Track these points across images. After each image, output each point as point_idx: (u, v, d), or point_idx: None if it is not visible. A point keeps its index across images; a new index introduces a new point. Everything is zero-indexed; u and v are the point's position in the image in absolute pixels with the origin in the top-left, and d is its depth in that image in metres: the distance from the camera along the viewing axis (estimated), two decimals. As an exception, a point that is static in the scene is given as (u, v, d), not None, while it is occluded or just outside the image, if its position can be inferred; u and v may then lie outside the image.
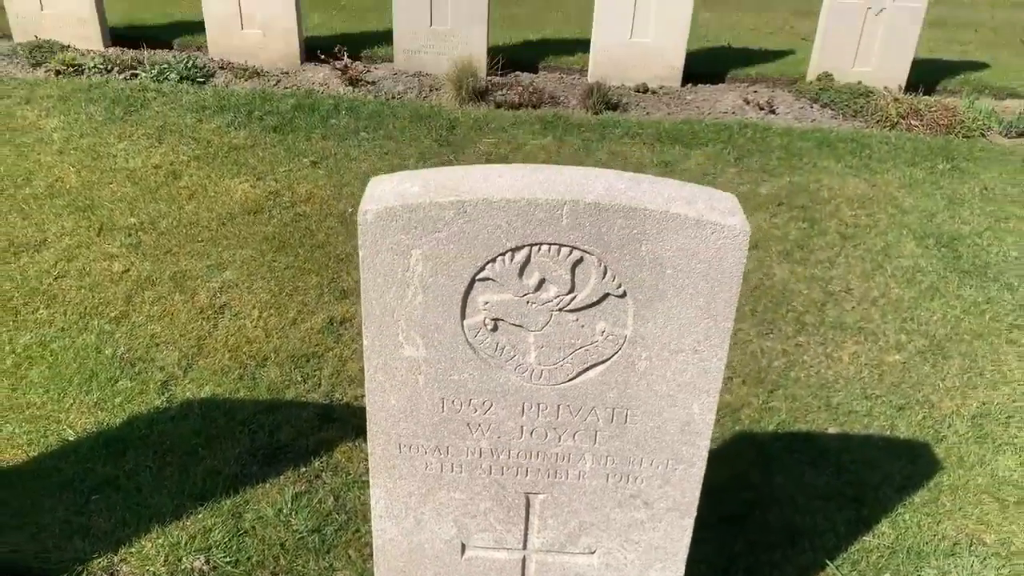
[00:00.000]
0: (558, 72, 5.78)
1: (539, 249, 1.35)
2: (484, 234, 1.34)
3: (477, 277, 1.39)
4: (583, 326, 1.43)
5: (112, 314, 3.09)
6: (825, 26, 5.33)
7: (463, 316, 1.43)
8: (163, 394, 2.72)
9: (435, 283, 1.39)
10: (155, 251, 3.48)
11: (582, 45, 6.00)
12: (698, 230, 1.32)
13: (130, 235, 3.58)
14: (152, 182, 3.99)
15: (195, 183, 4.00)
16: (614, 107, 5.13)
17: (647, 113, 5.13)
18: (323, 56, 5.38)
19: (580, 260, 1.36)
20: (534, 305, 1.41)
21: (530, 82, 5.47)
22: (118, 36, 5.72)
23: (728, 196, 1.40)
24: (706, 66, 5.74)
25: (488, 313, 1.42)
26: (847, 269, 3.62)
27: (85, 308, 3.11)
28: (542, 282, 1.39)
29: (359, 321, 3.14)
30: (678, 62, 5.40)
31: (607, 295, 1.39)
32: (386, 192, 1.36)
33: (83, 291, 3.21)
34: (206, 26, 5.41)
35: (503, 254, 1.36)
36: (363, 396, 2.76)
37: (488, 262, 1.37)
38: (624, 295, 1.39)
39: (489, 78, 5.40)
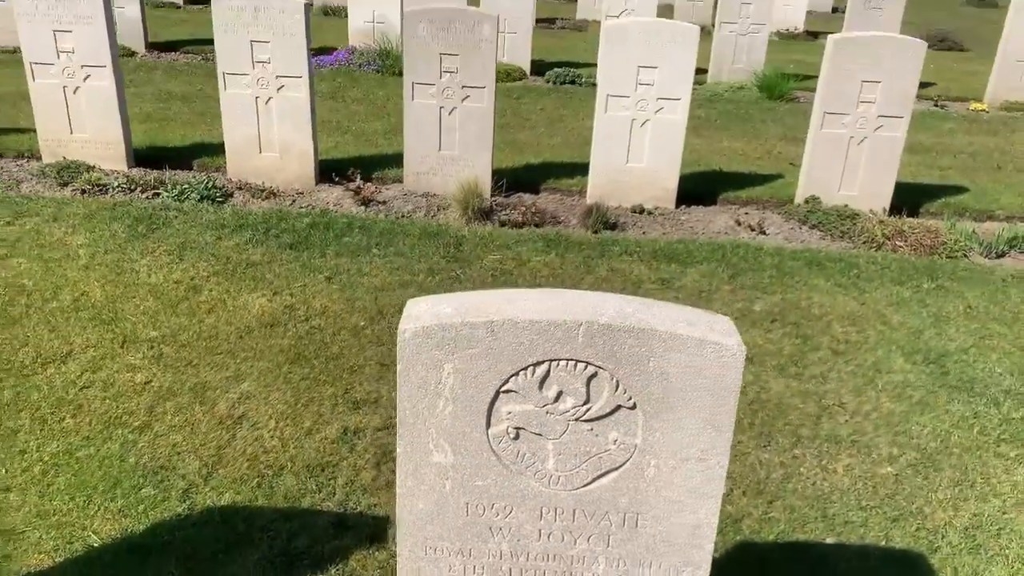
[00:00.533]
0: (558, 193, 6.07)
1: (558, 364, 1.51)
2: (509, 350, 1.50)
3: (502, 389, 1.54)
4: (597, 435, 1.57)
5: (135, 424, 3.21)
6: (811, 154, 5.66)
7: (488, 425, 1.58)
8: (185, 501, 2.82)
9: (464, 395, 1.55)
10: (176, 363, 3.63)
11: (580, 169, 6.32)
12: (700, 349, 1.49)
13: (152, 347, 3.73)
14: (173, 296, 4.17)
15: (214, 298, 4.19)
16: (612, 227, 5.39)
17: (644, 232, 5.39)
18: (337, 178, 5.68)
19: (595, 375, 1.52)
20: (553, 415, 1.56)
21: (532, 202, 5.75)
22: (140, 157, 6.03)
23: (724, 319, 1.57)
24: (699, 188, 6.05)
25: (511, 422, 1.57)
26: (839, 384, 3.77)
27: (109, 418, 3.24)
28: (560, 394, 1.54)
29: (372, 431, 3.27)
30: (672, 185, 5.70)
31: (619, 407, 1.54)
32: (422, 312, 1.54)
33: (107, 401, 3.34)
34: (226, 149, 5.73)
35: (525, 368, 1.52)
36: (376, 505, 2.88)
37: (512, 376, 1.53)
38: (634, 407, 1.54)
39: (493, 198, 5.68)
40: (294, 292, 4.30)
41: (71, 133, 5.71)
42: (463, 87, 5.51)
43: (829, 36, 5.52)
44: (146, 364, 3.61)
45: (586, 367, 1.51)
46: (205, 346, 3.78)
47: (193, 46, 10.01)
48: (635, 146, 5.60)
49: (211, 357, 3.69)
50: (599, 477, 1.60)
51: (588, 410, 1.54)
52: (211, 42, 10.11)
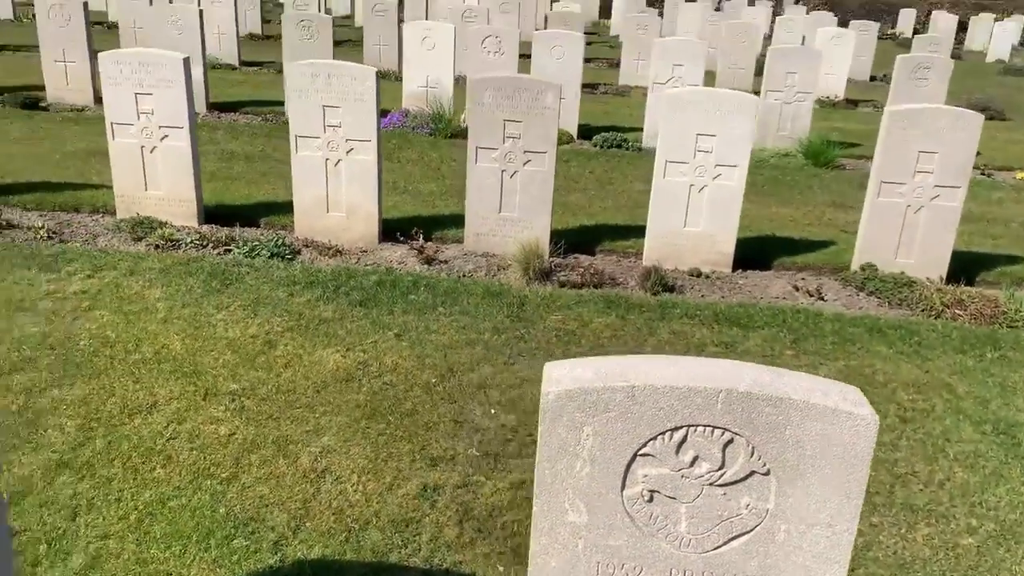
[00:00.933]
0: (614, 255, 6.17)
1: (695, 430, 1.58)
2: (649, 415, 1.57)
3: (639, 452, 1.61)
4: (730, 500, 1.63)
5: (223, 475, 3.30)
6: (867, 222, 5.73)
7: (623, 487, 1.64)
8: (276, 553, 2.89)
9: (602, 456, 1.62)
10: (258, 416, 3.73)
11: (634, 231, 6.43)
12: (835, 418, 1.55)
13: (233, 400, 3.84)
14: (250, 350, 4.29)
15: (290, 352, 4.30)
16: (671, 289, 5.46)
17: (702, 296, 5.45)
18: (402, 237, 5.83)
19: (731, 441, 1.58)
20: (688, 479, 1.62)
21: (589, 263, 5.85)
22: (208, 214, 6.23)
23: (854, 389, 1.63)
24: (753, 253, 6.12)
25: (646, 485, 1.63)
26: (910, 452, 3.77)
27: (197, 468, 3.33)
28: (696, 459, 1.60)
29: (451, 489, 3.33)
30: (729, 249, 5.79)
31: (753, 472, 1.60)
32: (563, 376, 1.62)
33: (194, 452, 3.44)
34: (295, 209, 5.91)
35: (663, 433, 1.59)
36: (461, 563, 2.93)
37: (650, 439, 1.59)
38: (768, 473, 1.60)
39: (551, 259, 5.79)
40: (366, 348, 4.40)
41: (146, 190, 5.93)
42: (525, 152, 5.67)
43: (886, 108, 5.63)
44: (229, 416, 3.71)
45: (723, 433, 1.57)
46: (284, 400, 3.87)
47: (251, 107, 10.35)
48: (693, 211, 5.70)
49: (291, 411, 3.79)
50: (730, 540, 1.65)
51: (723, 475, 1.60)
52: (269, 103, 10.48)
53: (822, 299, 5.48)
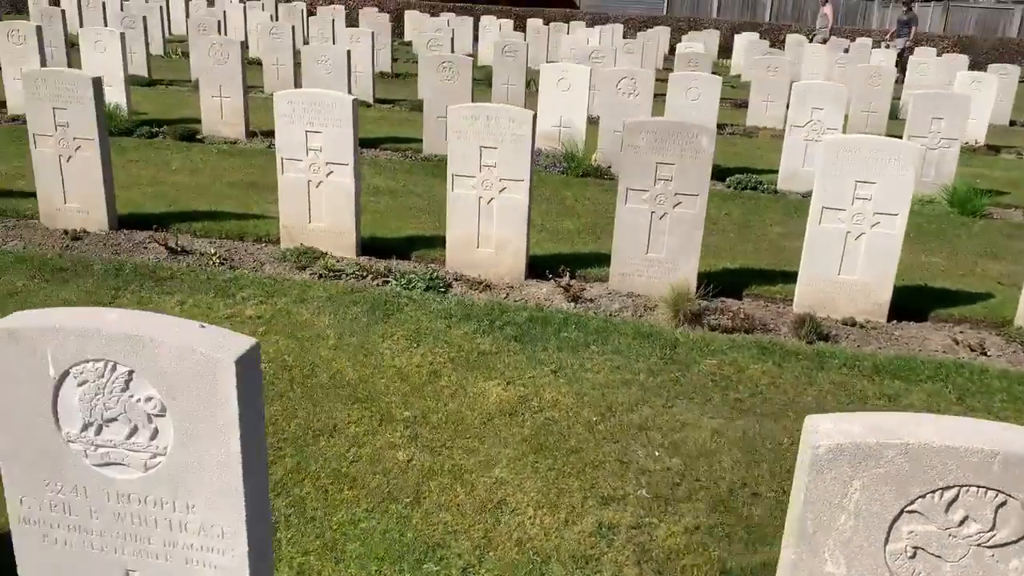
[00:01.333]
0: (761, 300, 6.12)
1: (968, 490, 1.59)
2: (920, 473, 1.59)
3: (906, 509, 1.62)
4: (998, 561, 1.62)
5: (406, 500, 3.44)
6: (1035, 275, 5.51)
7: (887, 542, 1.65)
8: (466, 581, 2.99)
9: (867, 511, 1.64)
10: (431, 444, 3.87)
11: (779, 276, 6.38)
12: (1118, 486, 1.53)
13: (408, 427, 3.99)
14: (417, 379, 4.46)
15: (454, 383, 4.44)
16: (825, 338, 5.38)
17: (858, 346, 5.34)
18: (550, 275, 5.95)
19: (1004, 503, 1.58)
20: (954, 539, 1.62)
21: (738, 308, 5.82)
22: (364, 247, 6.50)
23: None
24: (907, 303, 5.95)
25: (910, 542, 1.64)
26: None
27: (382, 492, 3.48)
28: (965, 519, 1.61)
29: (626, 529, 3.37)
30: (885, 299, 5.66)
31: (1025, 536, 1.60)
32: (831, 430, 1.65)
33: (377, 476, 3.59)
34: (447, 244, 6.11)
35: (933, 491, 1.60)
36: (650, 603, 2.94)
37: (919, 497, 1.61)
38: (1042, 537, 1.59)
39: (699, 302, 5.78)
40: (525, 383, 4.50)
41: (309, 222, 6.25)
42: (676, 194, 5.72)
43: (1059, 158, 5.43)
44: (405, 443, 3.86)
45: (996, 495, 1.57)
46: (454, 429, 4.00)
47: (390, 143, 10.75)
48: (848, 259, 5.61)
49: (461, 441, 3.91)
50: (994, 603, 1.64)
51: (992, 537, 1.60)
52: (406, 139, 10.87)
53: (984, 354, 5.29)
